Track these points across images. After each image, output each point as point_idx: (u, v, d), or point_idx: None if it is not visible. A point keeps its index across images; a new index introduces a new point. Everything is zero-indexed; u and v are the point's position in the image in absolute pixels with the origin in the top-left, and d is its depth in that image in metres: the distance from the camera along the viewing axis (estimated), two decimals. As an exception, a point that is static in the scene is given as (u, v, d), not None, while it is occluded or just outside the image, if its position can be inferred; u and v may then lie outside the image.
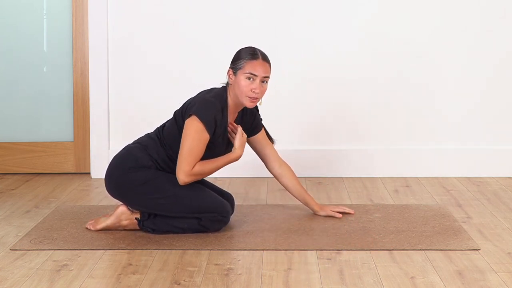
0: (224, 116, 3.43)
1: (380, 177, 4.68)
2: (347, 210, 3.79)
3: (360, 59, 4.67)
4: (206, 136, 3.35)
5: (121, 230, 3.50)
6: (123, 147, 3.62)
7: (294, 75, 4.70)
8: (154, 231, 3.45)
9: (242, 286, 2.84)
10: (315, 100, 4.70)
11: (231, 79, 3.46)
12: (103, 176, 4.68)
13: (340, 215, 3.73)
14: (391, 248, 3.24)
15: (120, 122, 4.72)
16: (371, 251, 3.22)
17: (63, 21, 4.74)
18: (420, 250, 3.22)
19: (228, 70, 3.47)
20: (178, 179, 3.36)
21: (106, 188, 3.54)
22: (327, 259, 3.13)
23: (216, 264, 3.07)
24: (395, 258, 3.13)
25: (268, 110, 4.67)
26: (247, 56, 3.44)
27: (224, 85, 3.53)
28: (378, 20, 4.65)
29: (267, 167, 3.77)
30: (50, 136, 4.82)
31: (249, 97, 3.43)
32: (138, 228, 3.49)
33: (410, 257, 3.14)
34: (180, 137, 3.41)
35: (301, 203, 3.84)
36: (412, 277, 2.91)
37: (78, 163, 4.80)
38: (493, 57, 4.66)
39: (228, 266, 3.04)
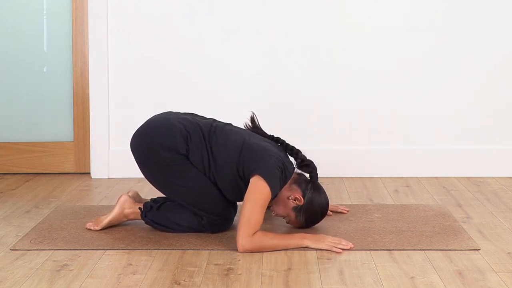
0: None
1: (380, 177, 4.68)
2: (340, 209, 3.80)
3: (359, 59, 4.67)
4: (268, 202, 3.29)
5: (123, 225, 3.51)
6: (164, 111, 3.60)
7: (294, 75, 4.70)
8: (155, 223, 3.45)
9: (242, 286, 2.84)
10: (315, 100, 4.70)
11: (292, 200, 3.37)
12: (103, 176, 4.71)
13: (330, 213, 3.74)
14: (391, 248, 3.24)
15: (120, 122, 4.72)
16: (371, 251, 3.22)
17: (63, 21, 4.74)
18: (420, 250, 3.22)
19: (300, 197, 3.36)
20: (238, 245, 3.20)
21: (132, 148, 3.46)
22: (327, 259, 3.13)
23: (216, 264, 3.07)
24: (395, 258, 3.13)
25: (268, 110, 4.67)
26: (305, 223, 3.42)
27: (298, 172, 3.46)
28: (375, 19, 4.65)
29: None
30: (50, 136, 4.81)
31: (276, 215, 3.49)
32: (140, 218, 3.50)
33: (410, 257, 3.14)
34: (231, 167, 3.36)
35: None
36: (412, 277, 2.91)
37: (78, 163, 4.80)
38: (493, 57, 4.66)
39: (228, 266, 3.04)
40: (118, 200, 3.53)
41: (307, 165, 3.46)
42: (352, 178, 4.68)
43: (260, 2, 4.65)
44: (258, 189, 3.24)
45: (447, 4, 4.63)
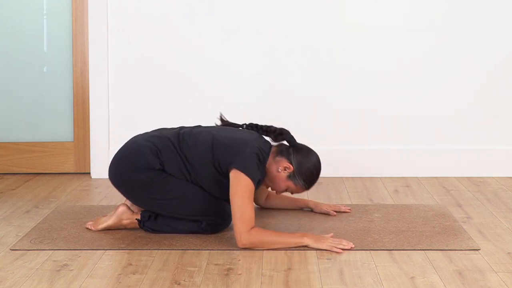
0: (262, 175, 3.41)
1: (380, 177, 4.68)
2: (343, 208, 3.80)
3: (359, 59, 4.67)
4: (253, 192, 3.31)
5: (121, 229, 3.51)
6: (132, 136, 3.58)
7: (294, 75, 4.70)
8: (154, 231, 3.46)
9: (242, 286, 2.84)
10: (315, 100, 4.70)
11: (282, 170, 3.40)
12: (103, 176, 4.70)
13: (335, 213, 3.74)
14: (391, 248, 3.24)
15: (120, 122, 4.72)
16: (371, 251, 3.22)
17: (63, 21, 4.74)
18: (420, 250, 3.22)
19: (289, 166, 3.38)
20: (237, 242, 3.22)
21: (110, 179, 3.51)
22: (327, 259, 3.13)
23: (216, 264, 3.07)
24: (395, 258, 3.13)
25: (268, 110, 4.68)
26: (307, 185, 3.44)
27: (273, 144, 3.47)
28: (375, 19, 4.65)
29: (255, 200, 3.79)
30: (50, 136, 4.82)
31: (275, 191, 3.53)
32: (138, 227, 3.49)
33: (410, 257, 3.14)
34: (208, 167, 3.36)
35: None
36: (412, 277, 2.91)
37: (78, 163, 4.80)
38: (493, 57, 4.66)
39: (228, 266, 3.04)
40: (116, 210, 3.51)
41: (280, 133, 3.48)
42: (352, 178, 4.68)
43: (260, 2, 4.65)
44: (239, 183, 3.25)
45: (447, 4, 4.63)
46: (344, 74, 4.69)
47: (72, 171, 4.81)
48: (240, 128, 3.56)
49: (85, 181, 4.63)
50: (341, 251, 3.21)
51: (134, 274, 2.97)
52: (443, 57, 4.67)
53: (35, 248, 3.27)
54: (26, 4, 4.75)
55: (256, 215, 3.76)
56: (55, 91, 4.79)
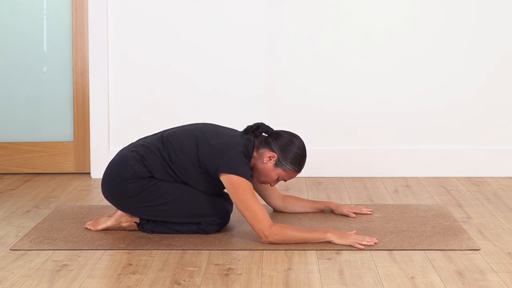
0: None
1: (380, 177, 4.68)
2: (364, 210, 3.79)
3: (359, 59, 4.67)
4: (253, 188, 3.31)
5: (121, 230, 3.51)
6: (120, 149, 3.58)
7: (294, 75, 4.70)
8: (154, 232, 3.45)
9: (242, 286, 2.84)
10: (315, 100, 4.70)
11: (268, 161, 3.39)
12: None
13: (354, 216, 3.73)
14: (391, 248, 3.24)
15: (120, 122, 4.72)
16: (371, 251, 3.22)
17: (63, 21, 4.74)
18: (420, 250, 3.22)
19: (272, 154, 3.38)
20: (261, 238, 3.26)
21: (103, 194, 3.52)
22: (327, 259, 3.13)
23: (216, 264, 3.07)
24: (395, 258, 3.13)
25: (268, 110, 4.68)
26: (296, 167, 3.41)
27: (253, 139, 3.44)
28: (377, 17, 4.65)
29: (270, 204, 3.78)
30: (50, 136, 4.82)
31: (264, 184, 3.52)
32: (138, 229, 3.50)
33: (410, 257, 3.14)
34: (195, 167, 3.36)
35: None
36: (412, 277, 2.91)
37: (78, 163, 4.80)
38: (493, 58, 4.66)
39: (228, 266, 3.04)
40: (115, 212, 3.50)
41: (257, 127, 3.46)
42: (352, 178, 4.67)
43: (260, 2, 4.65)
44: (235, 188, 3.26)
45: (447, 4, 4.63)
46: (344, 74, 4.69)
47: (72, 171, 4.81)
48: (223, 126, 3.56)
49: (85, 181, 4.63)
50: (363, 247, 3.22)
51: (134, 274, 2.97)
52: (443, 57, 4.67)
53: (35, 248, 3.27)
54: (26, 4, 4.74)
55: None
56: (55, 91, 4.79)
